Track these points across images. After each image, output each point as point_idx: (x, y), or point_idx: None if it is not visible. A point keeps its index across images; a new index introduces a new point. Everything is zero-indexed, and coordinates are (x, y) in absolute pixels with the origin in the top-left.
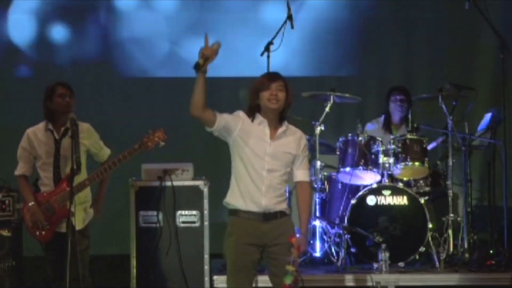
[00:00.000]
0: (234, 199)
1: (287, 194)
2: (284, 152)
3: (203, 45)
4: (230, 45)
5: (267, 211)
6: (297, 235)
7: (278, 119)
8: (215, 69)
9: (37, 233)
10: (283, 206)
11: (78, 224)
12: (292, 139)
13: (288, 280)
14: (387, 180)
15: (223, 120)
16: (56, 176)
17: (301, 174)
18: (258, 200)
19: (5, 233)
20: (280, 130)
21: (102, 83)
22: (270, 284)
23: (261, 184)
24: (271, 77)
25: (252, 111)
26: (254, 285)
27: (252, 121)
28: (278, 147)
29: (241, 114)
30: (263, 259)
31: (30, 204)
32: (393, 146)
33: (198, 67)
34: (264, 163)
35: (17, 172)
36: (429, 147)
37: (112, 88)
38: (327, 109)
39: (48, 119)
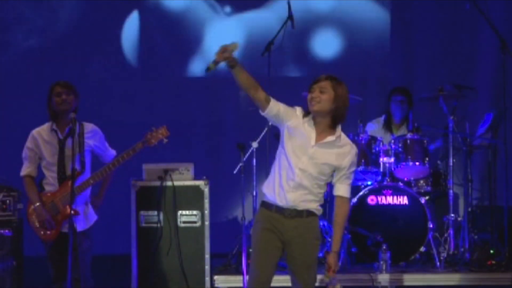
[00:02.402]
0: (267, 188)
1: (323, 197)
2: (322, 161)
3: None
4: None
5: (293, 208)
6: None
7: (329, 124)
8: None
9: (43, 233)
10: (311, 206)
11: (82, 224)
12: (337, 152)
13: None
14: (388, 180)
15: (275, 108)
16: (61, 175)
17: (341, 189)
18: (285, 195)
19: (6, 233)
20: (329, 138)
21: (105, 82)
22: (277, 284)
23: (290, 180)
24: (317, 78)
25: (307, 112)
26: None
27: (304, 120)
28: (319, 154)
29: (297, 110)
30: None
31: (36, 205)
32: (394, 146)
33: (208, 70)
34: (299, 162)
35: (23, 172)
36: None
37: (114, 88)
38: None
39: (52, 119)
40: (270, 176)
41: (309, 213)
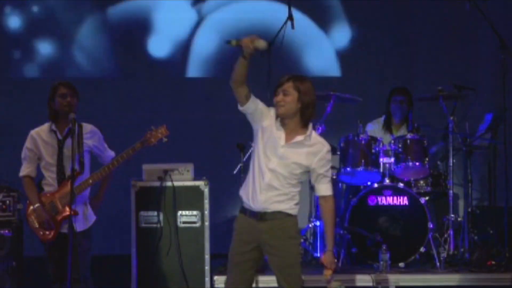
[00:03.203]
0: (243, 191)
1: (298, 195)
2: (292, 161)
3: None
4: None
5: (264, 210)
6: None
7: (299, 123)
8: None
9: (42, 233)
10: (284, 206)
11: (81, 225)
12: (307, 151)
13: None
14: (387, 180)
15: (254, 106)
16: (60, 176)
17: (321, 189)
18: (256, 196)
19: (6, 233)
20: (298, 138)
21: (104, 82)
22: (270, 285)
23: (261, 181)
24: (280, 81)
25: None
26: (254, 285)
27: (276, 121)
28: (288, 154)
29: (272, 111)
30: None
31: (36, 205)
32: (393, 146)
33: (228, 42)
34: (269, 162)
35: (22, 173)
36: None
37: (113, 88)
38: (328, 109)
39: (52, 120)
40: (246, 178)
41: (282, 214)
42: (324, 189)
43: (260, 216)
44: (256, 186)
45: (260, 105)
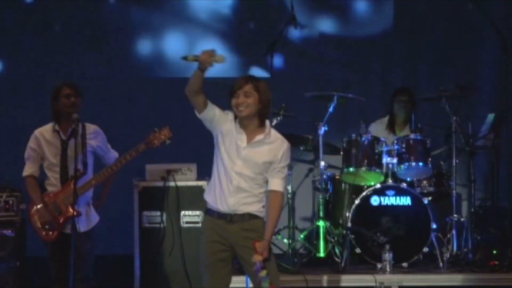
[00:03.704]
0: (208, 195)
1: (264, 197)
2: (256, 161)
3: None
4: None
5: (234, 212)
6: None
7: (257, 123)
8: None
9: (44, 233)
10: (252, 208)
11: (84, 225)
12: (268, 148)
13: (266, 285)
14: (390, 181)
15: (212, 112)
16: (63, 176)
17: (273, 183)
18: (225, 200)
19: (9, 233)
20: (258, 137)
21: (106, 83)
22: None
23: (229, 184)
24: (238, 83)
25: (235, 115)
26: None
27: (235, 124)
28: (251, 154)
29: (230, 115)
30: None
31: (38, 206)
32: (396, 147)
33: (184, 58)
34: (234, 166)
35: (25, 173)
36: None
37: (115, 89)
38: (330, 109)
39: (55, 120)
40: (210, 182)
41: (251, 216)
42: (277, 184)
43: (230, 218)
44: (224, 189)
45: (217, 110)
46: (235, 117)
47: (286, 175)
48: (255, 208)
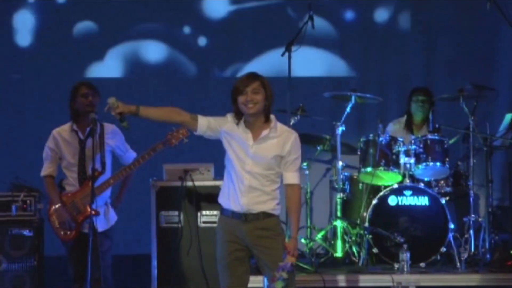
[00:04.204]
0: (221, 197)
1: (278, 194)
2: (265, 156)
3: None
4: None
5: (248, 212)
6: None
7: (262, 120)
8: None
9: (63, 233)
10: (267, 207)
11: (102, 225)
12: (277, 141)
13: (279, 286)
14: (408, 181)
15: (205, 123)
16: (82, 176)
17: (289, 177)
18: (238, 200)
19: (26, 232)
20: (264, 133)
21: (124, 83)
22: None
23: (241, 184)
24: (245, 80)
25: (237, 115)
26: (254, 285)
27: (238, 124)
28: (260, 151)
29: (228, 117)
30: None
31: (57, 206)
32: (414, 147)
33: (125, 128)
34: (245, 165)
35: (44, 172)
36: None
37: (132, 88)
38: (348, 109)
39: (74, 120)
40: (223, 185)
41: (265, 215)
42: (291, 177)
43: (244, 218)
44: (236, 190)
45: (210, 118)
46: (239, 117)
47: (299, 167)
48: (270, 206)
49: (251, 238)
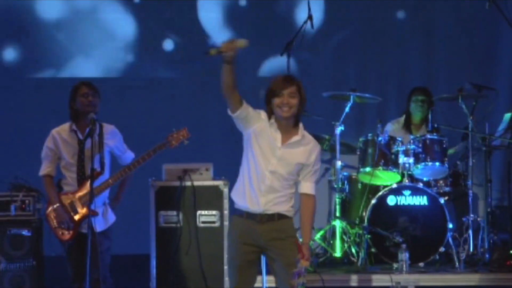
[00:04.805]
0: (236, 195)
1: (293, 198)
2: (290, 161)
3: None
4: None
5: (264, 212)
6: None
7: (291, 124)
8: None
9: (61, 233)
10: (282, 208)
11: (101, 225)
12: (303, 149)
13: None
14: (407, 180)
15: (246, 112)
16: (80, 176)
17: (306, 187)
18: (257, 199)
19: (25, 232)
20: (294, 138)
21: (123, 84)
22: (270, 284)
23: (261, 184)
24: (283, 83)
25: (269, 114)
26: (259, 285)
27: (270, 123)
28: (287, 155)
29: (262, 114)
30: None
31: (55, 205)
32: (413, 146)
33: (206, 53)
34: (269, 165)
35: (42, 172)
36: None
37: (132, 90)
38: (347, 109)
39: (73, 120)
40: (238, 182)
41: (280, 216)
42: (309, 187)
43: (260, 218)
44: (255, 189)
45: (251, 109)
46: (269, 117)
47: (317, 179)
48: (285, 208)
49: (265, 239)
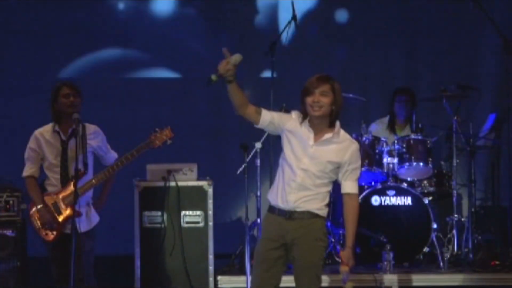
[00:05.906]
0: (270, 194)
1: (328, 196)
2: (323, 159)
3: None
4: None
5: (294, 209)
6: (342, 249)
7: (327, 124)
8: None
9: (45, 233)
10: (313, 206)
11: (84, 225)
12: (336, 147)
13: None
14: (391, 180)
15: (268, 117)
16: (64, 176)
17: (346, 186)
18: (287, 196)
19: (9, 233)
20: (326, 136)
21: (106, 84)
22: (293, 284)
23: (292, 181)
24: (315, 82)
25: (303, 115)
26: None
27: (302, 122)
28: (319, 153)
29: (293, 114)
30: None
31: (39, 206)
32: (397, 146)
33: (209, 82)
34: (300, 163)
35: (25, 173)
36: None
37: (116, 89)
38: None
39: (55, 121)
40: (274, 182)
41: (310, 214)
42: (350, 186)
43: (289, 215)
44: (286, 186)
45: (274, 113)
46: (304, 116)
47: (358, 177)
48: (316, 205)
49: (292, 236)
